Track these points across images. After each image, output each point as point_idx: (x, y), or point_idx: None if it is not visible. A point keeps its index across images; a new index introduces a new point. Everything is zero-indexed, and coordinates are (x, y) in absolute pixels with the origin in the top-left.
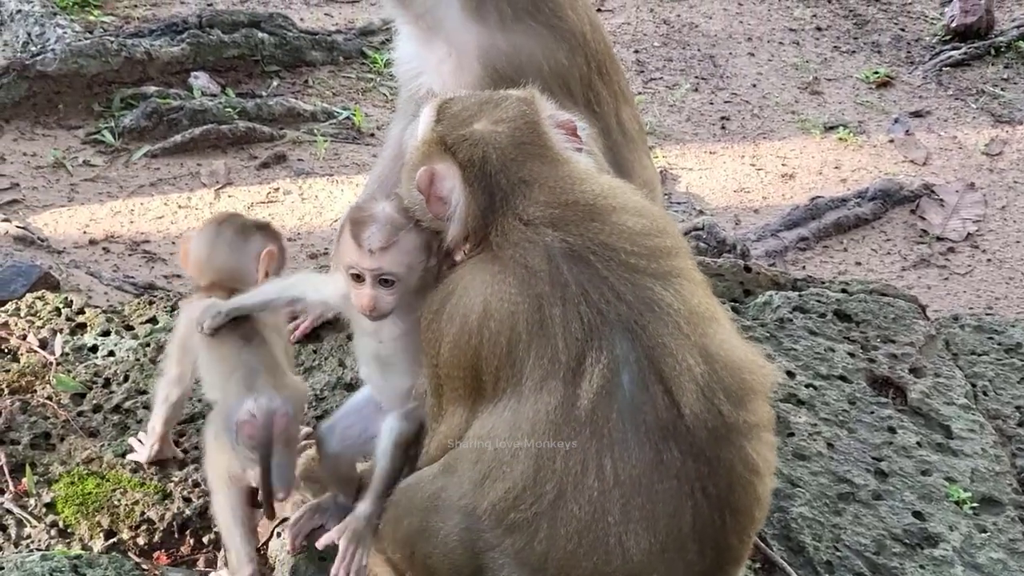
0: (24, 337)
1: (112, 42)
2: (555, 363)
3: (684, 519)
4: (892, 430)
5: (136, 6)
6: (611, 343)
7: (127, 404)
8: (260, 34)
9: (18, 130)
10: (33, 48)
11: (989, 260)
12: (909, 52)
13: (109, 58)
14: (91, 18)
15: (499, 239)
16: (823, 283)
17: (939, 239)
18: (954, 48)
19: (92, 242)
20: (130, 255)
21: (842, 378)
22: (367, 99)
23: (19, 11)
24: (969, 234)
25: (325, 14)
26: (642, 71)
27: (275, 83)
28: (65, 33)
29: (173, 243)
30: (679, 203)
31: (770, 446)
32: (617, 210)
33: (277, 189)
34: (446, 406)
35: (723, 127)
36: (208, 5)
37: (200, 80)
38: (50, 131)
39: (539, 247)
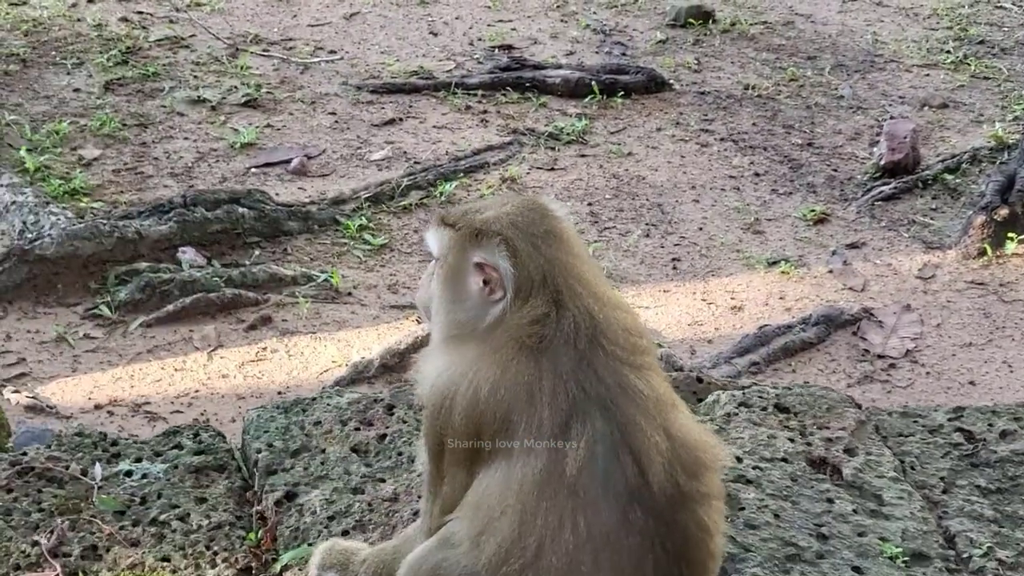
0: (68, 467)
1: (104, 224)
2: (542, 430)
3: (647, 570)
4: (830, 501)
5: (123, 192)
6: (592, 417)
7: (162, 517)
8: (240, 209)
9: (21, 310)
10: (29, 235)
11: (928, 373)
12: (843, 190)
13: (102, 239)
14: (81, 205)
15: (517, 315)
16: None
17: (880, 357)
18: (884, 184)
19: (97, 407)
20: (133, 416)
21: (784, 460)
22: (342, 262)
23: (14, 202)
24: (908, 351)
25: (299, 188)
26: (596, 222)
27: (257, 252)
28: (59, 220)
29: (172, 403)
30: None
31: (719, 512)
32: (613, 305)
33: (265, 348)
34: (447, 470)
35: (674, 267)
36: (190, 187)
37: (187, 254)
38: (51, 309)
39: (549, 329)
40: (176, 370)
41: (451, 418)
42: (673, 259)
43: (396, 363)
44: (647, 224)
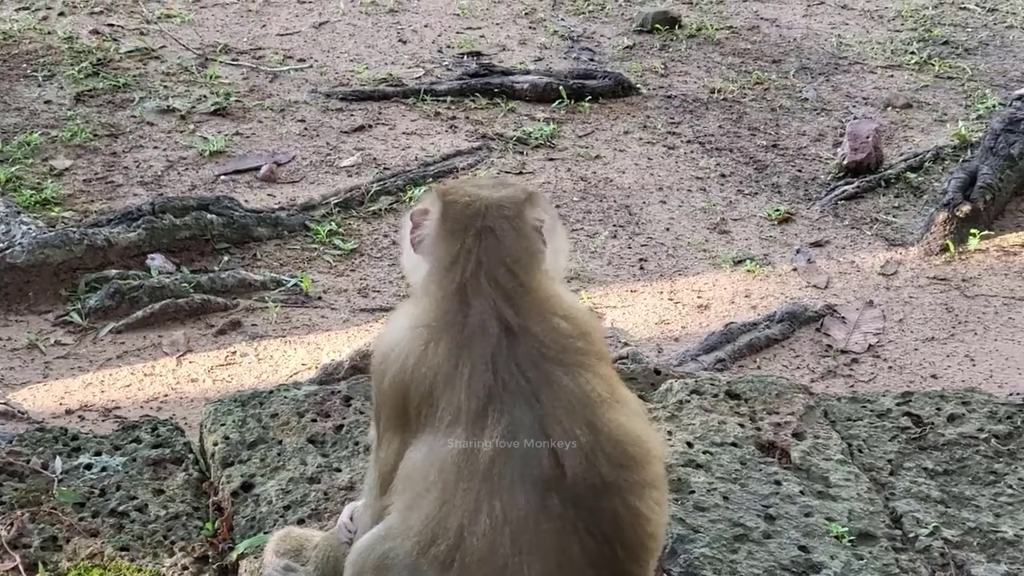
0: (28, 461)
1: (74, 233)
2: (459, 413)
3: (573, 551)
4: (778, 483)
5: (93, 201)
6: (511, 408)
7: (121, 508)
8: (209, 216)
9: None
10: (0, 244)
11: (891, 367)
12: (807, 190)
13: (72, 247)
14: (52, 214)
15: (442, 282)
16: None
17: (843, 352)
18: (847, 183)
19: (68, 412)
20: (103, 421)
21: (733, 444)
22: (312, 267)
23: None
24: (871, 346)
25: (268, 194)
26: (564, 224)
27: (226, 258)
28: (30, 229)
29: (141, 407)
30: (605, 337)
31: (656, 499)
32: (553, 315)
33: (234, 352)
34: (383, 433)
35: (641, 268)
36: (159, 194)
37: (157, 261)
38: (22, 317)
39: (483, 317)
40: (146, 375)
41: (383, 381)
42: (640, 259)
43: (366, 365)
44: (614, 225)
